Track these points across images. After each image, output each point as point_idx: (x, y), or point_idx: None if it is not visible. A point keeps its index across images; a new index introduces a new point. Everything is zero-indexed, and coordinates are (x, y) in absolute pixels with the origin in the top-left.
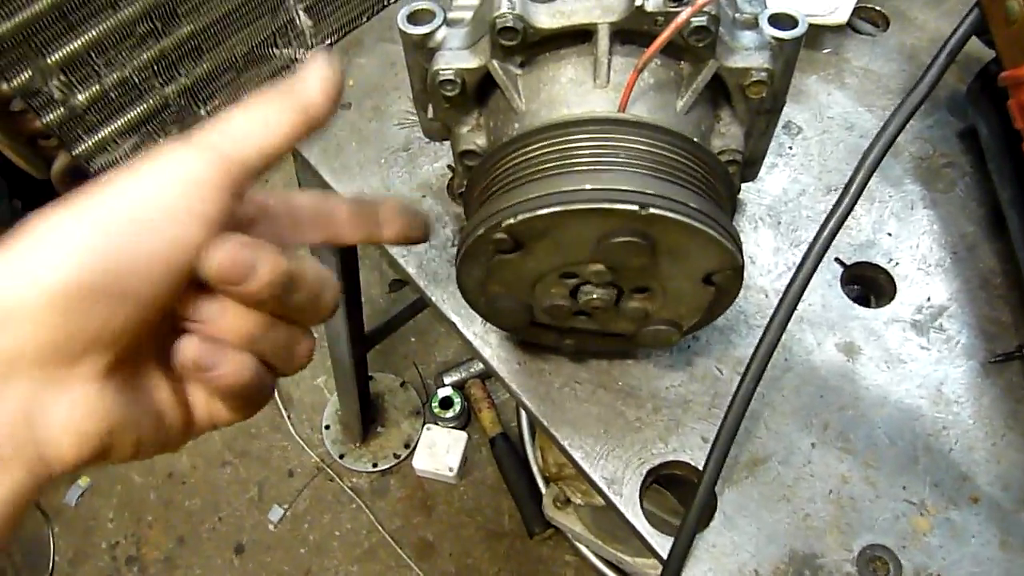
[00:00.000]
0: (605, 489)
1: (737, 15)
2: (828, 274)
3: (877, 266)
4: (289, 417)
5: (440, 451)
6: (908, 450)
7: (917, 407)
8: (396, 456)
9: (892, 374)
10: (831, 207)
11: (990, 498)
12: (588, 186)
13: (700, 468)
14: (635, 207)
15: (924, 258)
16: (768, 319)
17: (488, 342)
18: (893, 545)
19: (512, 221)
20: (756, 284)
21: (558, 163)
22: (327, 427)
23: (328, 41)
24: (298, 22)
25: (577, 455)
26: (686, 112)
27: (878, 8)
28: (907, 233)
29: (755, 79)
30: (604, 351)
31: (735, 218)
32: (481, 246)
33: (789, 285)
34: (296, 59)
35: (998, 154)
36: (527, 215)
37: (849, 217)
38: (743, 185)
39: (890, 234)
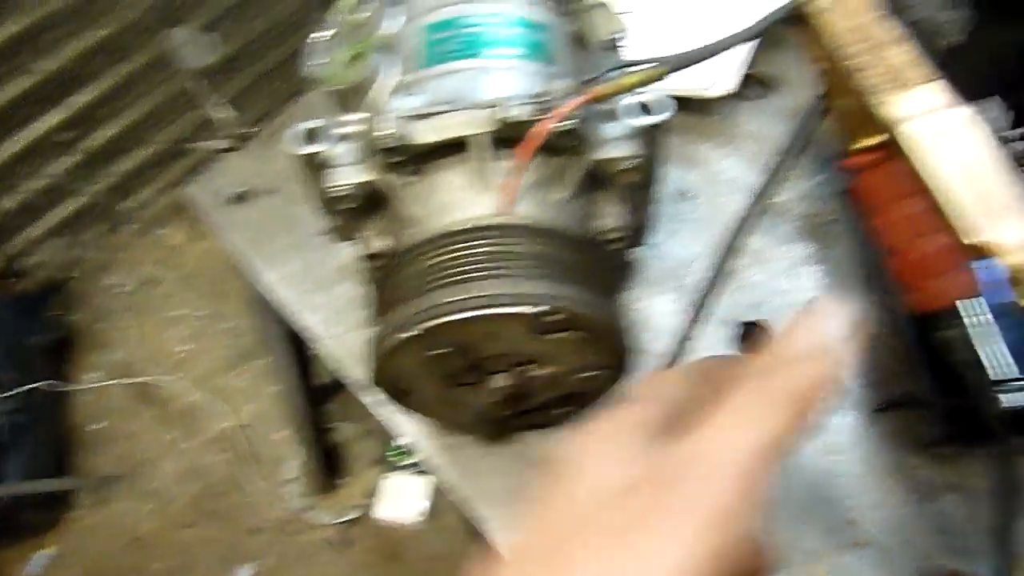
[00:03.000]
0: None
1: (607, 106)
2: (723, 335)
3: (769, 324)
4: (253, 473)
5: (404, 498)
6: (802, 501)
7: (807, 458)
8: (361, 506)
9: None
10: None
11: (878, 542)
12: (486, 292)
13: None
14: (524, 309)
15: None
16: None
17: (409, 419)
18: None
19: (426, 326)
20: (652, 349)
21: (458, 269)
22: (291, 481)
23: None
24: (218, 115)
25: (492, 526)
26: (567, 203)
27: (764, 72)
28: (795, 290)
29: (624, 167)
30: (514, 428)
31: (630, 284)
32: (392, 350)
33: (675, 351)
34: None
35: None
36: (435, 322)
37: (741, 278)
38: (643, 250)
39: (779, 292)
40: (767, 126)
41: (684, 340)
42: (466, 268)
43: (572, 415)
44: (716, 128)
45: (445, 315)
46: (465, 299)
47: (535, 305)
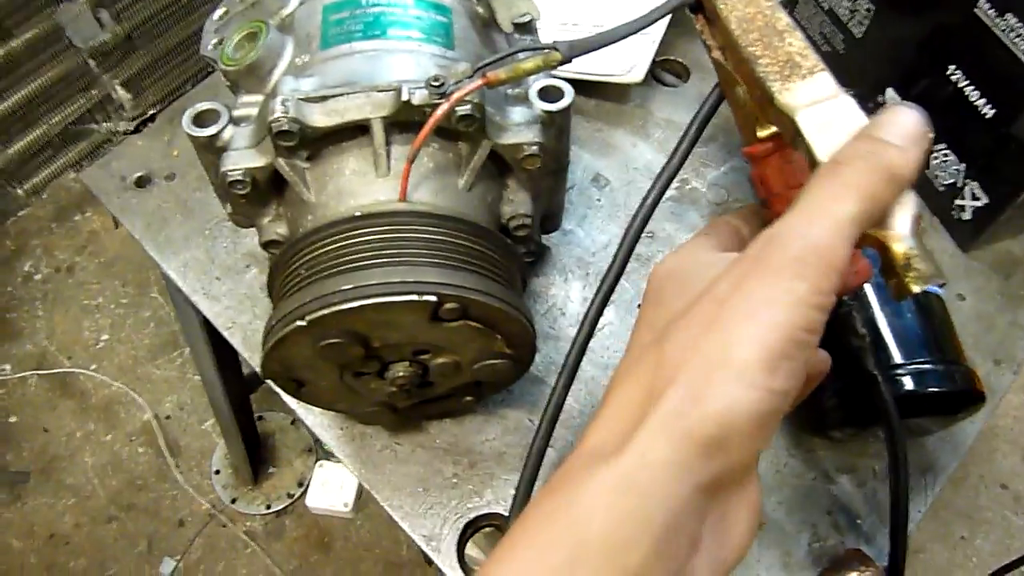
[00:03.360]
0: (424, 546)
1: (509, 91)
2: (631, 319)
3: None
4: (177, 465)
5: (334, 487)
6: None
7: None
8: (290, 496)
9: None
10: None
11: (774, 521)
12: (375, 280)
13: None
14: (415, 297)
15: None
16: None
17: (311, 410)
18: None
19: (311, 317)
20: (566, 335)
21: (348, 257)
22: (217, 472)
23: (151, 112)
24: (115, 96)
25: (397, 515)
26: (468, 190)
27: (679, 60)
28: None
29: (527, 153)
30: (416, 416)
31: (544, 269)
32: (281, 341)
33: (577, 332)
34: (117, 132)
35: None
36: (322, 312)
37: (652, 264)
38: (554, 237)
39: None
40: (681, 113)
41: (594, 325)
42: (358, 256)
43: (475, 403)
44: (630, 115)
45: (334, 304)
46: (356, 287)
47: (428, 293)
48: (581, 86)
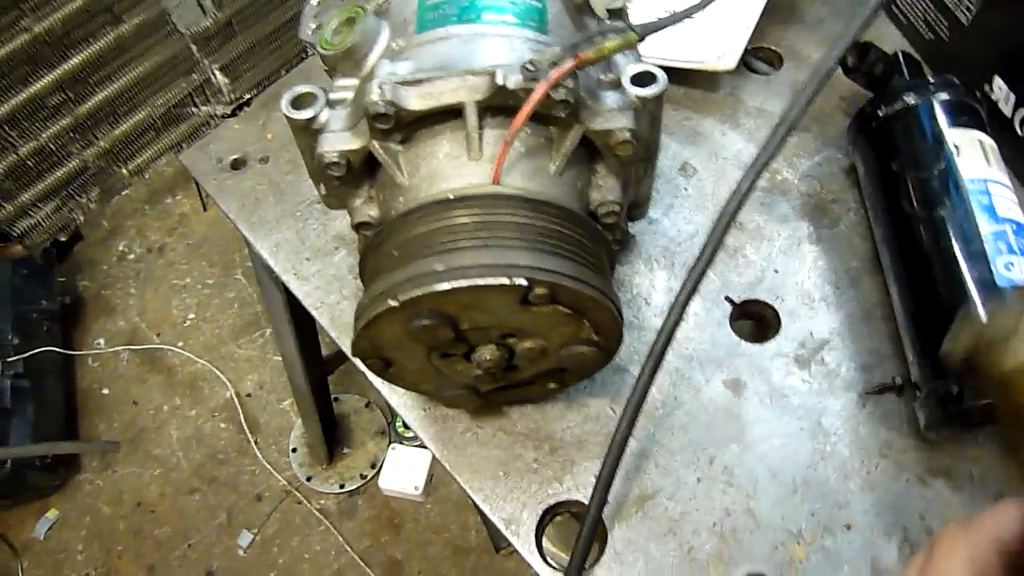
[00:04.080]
0: (504, 529)
1: (602, 76)
2: (718, 313)
3: (765, 303)
4: (256, 442)
5: (406, 470)
6: (787, 482)
7: (797, 440)
8: (363, 476)
9: (775, 408)
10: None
11: (863, 525)
12: (468, 263)
13: None
14: (506, 280)
15: (808, 293)
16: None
17: (395, 390)
18: (771, 573)
19: (404, 297)
20: (650, 324)
21: (441, 239)
22: (294, 450)
23: (247, 96)
24: (214, 80)
25: (478, 498)
26: (559, 175)
27: (772, 47)
28: (793, 269)
29: (620, 139)
30: (499, 401)
31: (629, 258)
32: (373, 320)
33: (664, 322)
34: (215, 115)
35: (872, 193)
36: (415, 292)
37: (739, 256)
38: (639, 226)
39: (777, 271)
40: (772, 102)
41: (680, 315)
42: (450, 238)
43: (558, 390)
44: (720, 103)
45: (427, 285)
46: (448, 269)
47: (520, 277)
48: (671, 74)
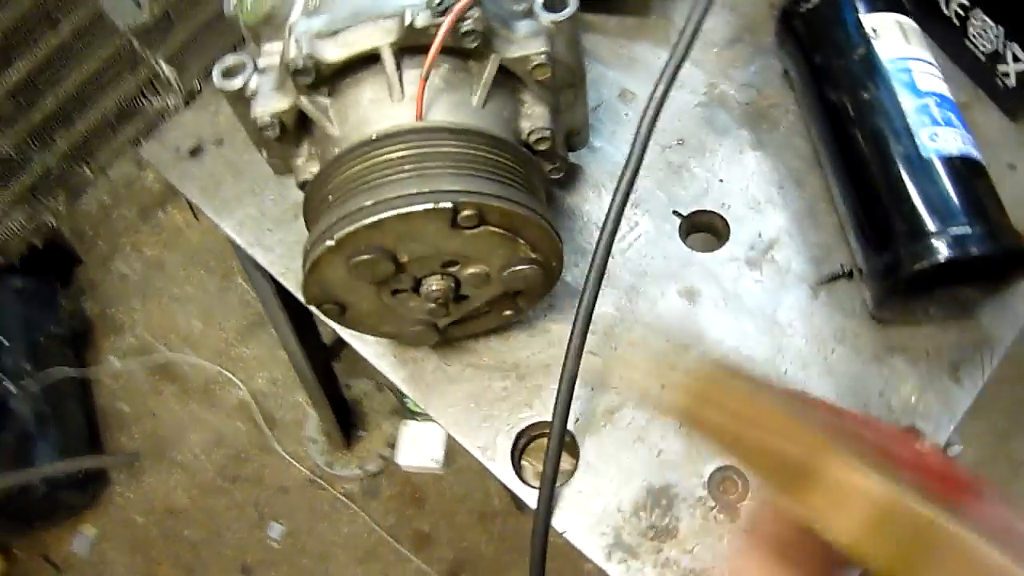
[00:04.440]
0: (480, 457)
1: (516, 6)
2: (668, 228)
3: (713, 212)
4: (275, 436)
5: (422, 444)
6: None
7: (755, 337)
8: (382, 457)
9: (730, 310)
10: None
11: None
12: (394, 194)
13: None
14: (431, 205)
15: (754, 197)
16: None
17: (365, 340)
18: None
19: (339, 235)
20: (612, 267)
21: (368, 177)
22: (312, 440)
23: (198, 84)
24: (162, 73)
25: (453, 431)
26: (483, 106)
27: None
28: (737, 176)
29: (536, 63)
30: (461, 336)
31: (577, 186)
32: (315, 263)
33: (601, 231)
34: (168, 107)
35: (802, 89)
36: (348, 229)
37: (684, 171)
38: (584, 155)
39: (721, 180)
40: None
41: (615, 226)
42: (377, 175)
43: (515, 316)
44: (653, 26)
45: (358, 220)
46: (376, 203)
47: (444, 200)
48: (601, 4)
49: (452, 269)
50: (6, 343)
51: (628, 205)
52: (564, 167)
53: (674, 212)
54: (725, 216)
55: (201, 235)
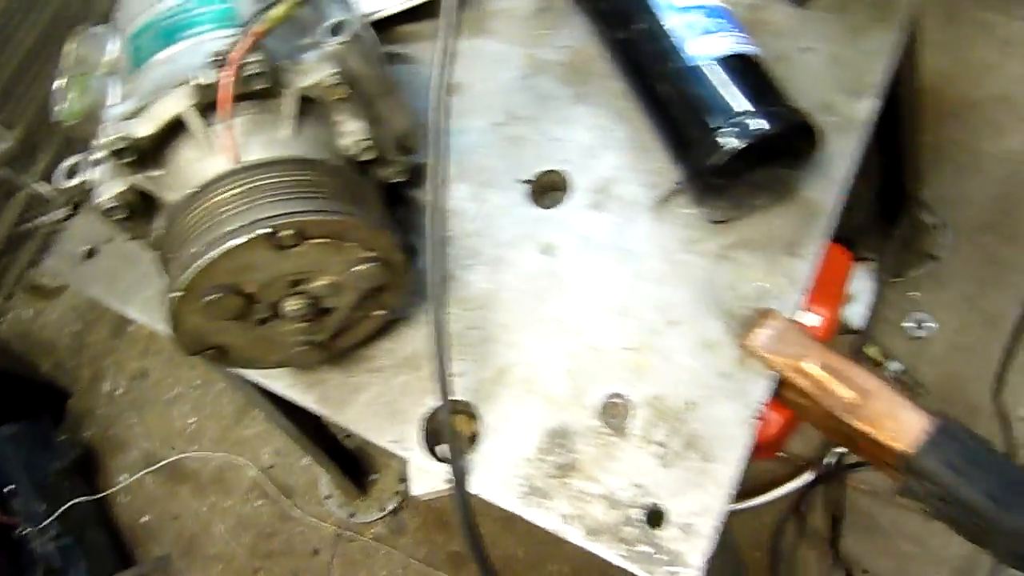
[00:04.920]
0: (395, 449)
1: (303, 40)
2: (516, 195)
3: (554, 171)
4: (294, 503)
5: (430, 469)
6: (614, 309)
7: (612, 271)
8: (398, 493)
9: (586, 253)
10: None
11: (687, 316)
12: (214, 235)
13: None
14: (248, 236)
15: (586, 145)
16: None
17: (273, 378)
18: (623, 388)
19: (181, 283)
20: (463, 231)
21: (194, 225)
22: (329, 497)
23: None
24: (41, 191)
25: (368, 435)
26: (296, 136)
27: None
28: (570, 133)
29: (328, 84)
30: (350, 345)
31: (425, 183)
32: (174, 316)
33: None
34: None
35: (602, 37)
36: (187, 276)
37: (521, 141)
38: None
39: (557, 139)
40: (507, 0)
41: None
42: (205, 221)
43: (390, 314)
44: (470, 17)
45: (193, 264)
46: (203, 245)
47: (261, 228)
48: (398, 19)
49: (302, 287)
50: (15, 489)
51: (476, 185)
52: (405, 168)
53: (519, 180)
54: (566, 170)
55: None
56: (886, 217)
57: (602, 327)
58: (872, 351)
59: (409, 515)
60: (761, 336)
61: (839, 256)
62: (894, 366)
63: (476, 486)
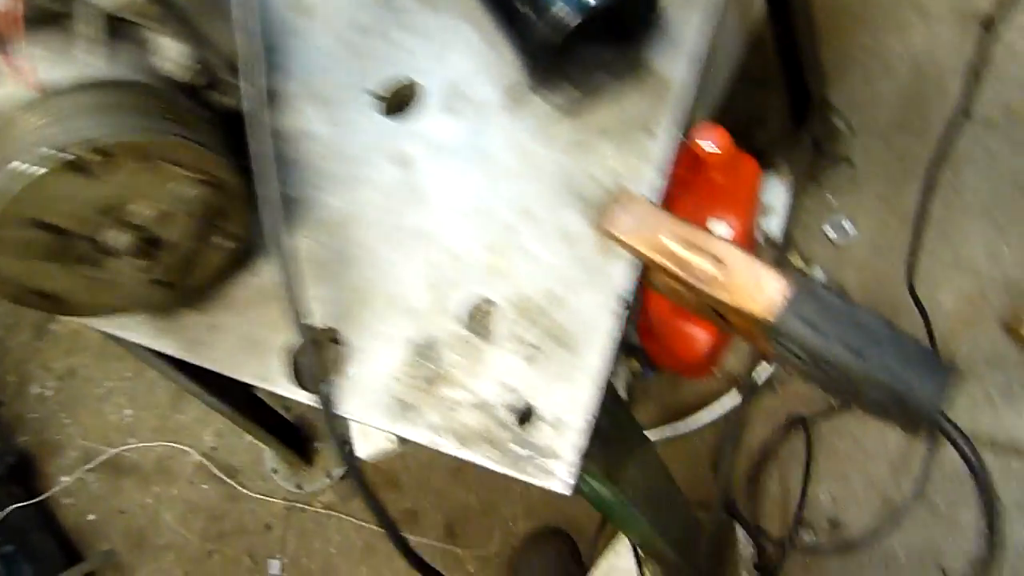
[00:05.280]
0: (261, 384)
1: None
2: (367, 109)
3: (403, 83)
4: (240, 483)
5: (373, 431)
6: (471, 212)
7: (468, 174)
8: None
9: (442, 159)
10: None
11: (545, 204)
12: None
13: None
14: (45, 167)
15: (432, 52)
16: None
17: (127, 327)
18: (486, 290)
19: None
20: (316, 152)
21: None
22: (275, 471)
23: None
24: None
25: (231, 373)
26: (107, 59)
27: None
28: (411, 43)
29: (139, 2)
30: (205, 283)
31: (277, 118)
32: None
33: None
34: None
35: None
36: None
37: (367, 54)
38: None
39: (406, 48)
40: None
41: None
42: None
43: (237, 246)
44: None
45: None
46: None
47: (67, 154)
48: None
49: (123, 217)
50: None
51: (324, 104)
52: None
53: (369, 94)
54: (416, 79)
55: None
56: (798, 125)
57: (462, 232)
58: (795, 259)
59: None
60: (614, 217)
61: (748, 167)
62: (817, 272)
63: (346, 409)
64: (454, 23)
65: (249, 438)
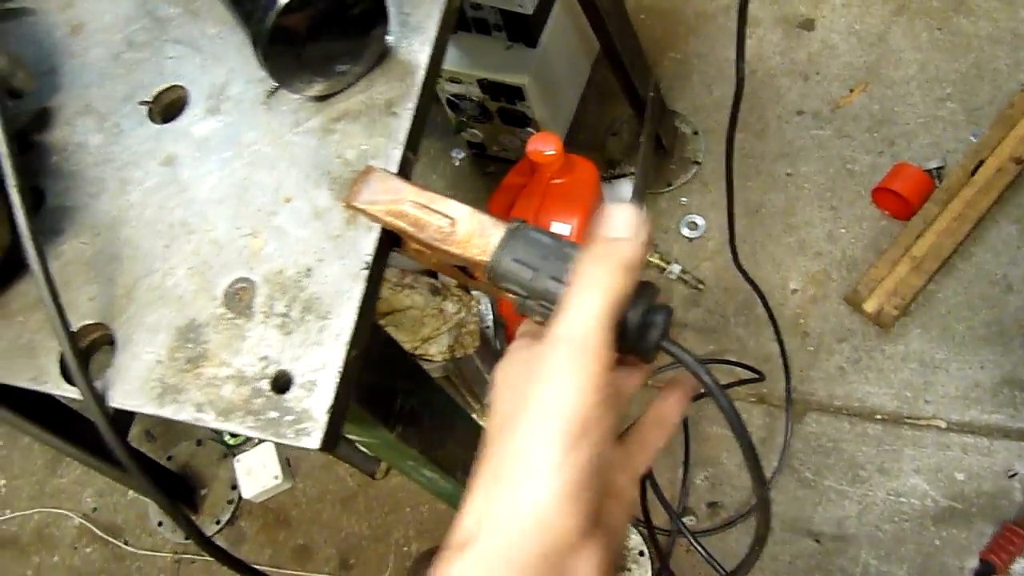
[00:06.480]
0: (35, 387)
1: None
2: (136, 118)
3: (172, 87)
4: (125, 541)
5: (258, 470)
6: (227, 199)
7: (229, 167)
8: (229, 502)
9: (204, 156)
10: None
11: (298, 192)
12: None
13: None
14: None
15: (202, 58)
16: None
17: None
18: (245, 271)
19: None
20: (91, 161)
21: None
22: (160, 524)
23: None
24: None
25: (10, 381)
26: None
27: None
28: (183, 49)
29: None
30: None
31: (54, 133)
32: None
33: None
34: None
35: None
36: None
37: (137, 65)
38: (61, 90)
39: (170, 57)
40: None
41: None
42: None
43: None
44: None
45: None
46: None
47: None
48: None
49: None
50: None
51: (99, 116)
52: (21, 113)
53: (140, 103)
54: (184, 85)
55: None
56: (643, 131)
57: (222, 221)
58: (655, 258)
59: (246, 521)
60: (359, 191)
61: (584, 168)
62: (676, 268)
63: (116, 399)
64: (216, 30)
65: (132, 494)
